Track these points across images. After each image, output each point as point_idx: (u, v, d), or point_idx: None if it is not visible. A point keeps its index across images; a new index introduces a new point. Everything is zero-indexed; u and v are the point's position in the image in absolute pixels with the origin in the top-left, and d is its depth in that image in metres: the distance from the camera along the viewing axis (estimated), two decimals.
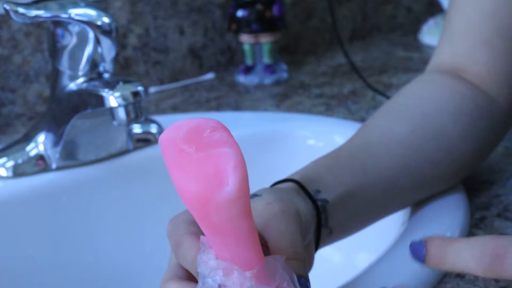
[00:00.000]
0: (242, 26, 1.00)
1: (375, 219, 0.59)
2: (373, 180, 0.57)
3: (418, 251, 0.42)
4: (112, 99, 0.68)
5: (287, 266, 0.42)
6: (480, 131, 0.64)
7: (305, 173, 0.55)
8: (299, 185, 0.53)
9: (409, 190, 0.60)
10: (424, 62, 1.07)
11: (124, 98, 0.68)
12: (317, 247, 0.53)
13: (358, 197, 0.56)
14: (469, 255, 0.40)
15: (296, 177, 0.54)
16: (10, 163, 0.74)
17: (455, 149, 0.62)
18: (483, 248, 0.40)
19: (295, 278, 0.42)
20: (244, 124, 0.85)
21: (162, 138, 0.40)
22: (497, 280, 0.54)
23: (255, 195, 0.49)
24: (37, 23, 0.92)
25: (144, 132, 0.80)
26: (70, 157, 0.75)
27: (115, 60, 0.74)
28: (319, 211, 0.53)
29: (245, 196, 0.38)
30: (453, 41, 0.68)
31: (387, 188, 0.58)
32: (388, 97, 0.89)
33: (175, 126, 0.40)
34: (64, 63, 0.72)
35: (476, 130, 0.64)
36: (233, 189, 0.37)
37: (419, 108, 0.63)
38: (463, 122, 0.63)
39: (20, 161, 0.74)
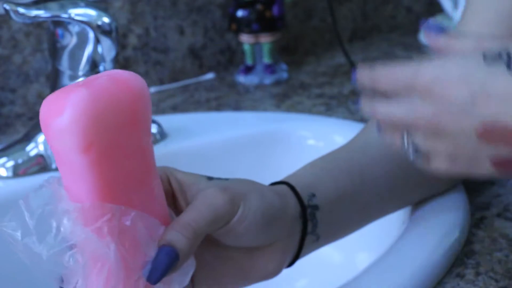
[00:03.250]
0: (242, 26, 1.00)
1: (368, 222, 0.59)
2: (369, 185, 0.57)
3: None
4: None
5: (156, 229, 0.43)
6: None
7: (301, 176, 0.55)
8: (292, 189, 0.52)
9: (406, 192, 0.60)
10: None
11: None
12: (299, 253, 0.53)
13: (353, 202, 0.56)
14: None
15: (291, 180, 0.53)
16: (10, 163, 0.74)
17: None
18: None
19: (152, 245, 0.43)
20: (244, 124, 0.85)
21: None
22: (497, 280, 0.54)
23: (231, 179, 0.49)
24: (37, 23, 0.92)
25: None
26: None
27: (115, 60, 0.74)
28: (306, 219, 0.52)
29: (79, 133, 0.40)
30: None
31: (383, 192, 0.58)
32: None
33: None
34: (64, 63, 0.72)
35: None
36: (64, 120, 0.40)
37: None
38: None
39: (20, 161, 0.74)
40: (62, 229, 0.41)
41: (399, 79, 0.46)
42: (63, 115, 0.40)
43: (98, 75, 0.43)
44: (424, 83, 0.45)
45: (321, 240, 0.54)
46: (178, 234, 0.44)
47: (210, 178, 0.49)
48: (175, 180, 0.48)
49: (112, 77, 0.42)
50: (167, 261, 0.43)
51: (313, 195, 0.53)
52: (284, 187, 0.52)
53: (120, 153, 0.42)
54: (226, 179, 0.49)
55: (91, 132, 0.40)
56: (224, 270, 0.49)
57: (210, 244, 0.48)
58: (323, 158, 0.58)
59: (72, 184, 0.42)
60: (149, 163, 0.44)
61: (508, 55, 0.43)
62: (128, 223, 0.42)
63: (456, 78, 0.44)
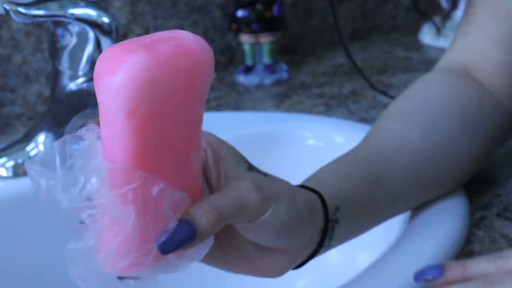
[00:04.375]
0: (242, 26, 1.00)
1: (379, 223, 0.59)
2: (385, 189, 0.56)
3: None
4: None
5: (182, 204, 0.43)
6: (485, 135, 0.64)
7: (328, 184, 0.53)
8: (321, 201, 0.51)
9: (415, 196, 0.60)
10: (424, 62, 1.07)
11: None
12: (308, 260, 0.53)
13: (369, 209, 0.55)
14: None
15: (320, 189, 0.52)
16: (10, 163, 0.74)
17: (462, 153, 0.62)
18: None
19: (174, 219, 0.42)
20: (244, 124, 0.85)
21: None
22: None
23: (270, 176, 0.49)
24: (37, 23, 0.92)
25: None
26: None
27: None
28: (326, 234, 0.52)
29: (127, 97, 0.39)
30: (468, 36, 0.67)
31: (395, 196, 0.58)
32: (390, 97, 0.89)
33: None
34: (64, 63, 0.72)
35: (481, 133, 0.64)
36: (115, 82, 0.39)
37: (429, 112, 0.63)
38: (469, 126, 0.63)
39: (20, 161, 0.74)
40: (88, 186, 0.41)
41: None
42: (116, 76, 0.39)
43: (164, 35, 0.42)
44: None
45: (331, 247, 0.54)
46: (202, 214, 0.43)
47: (250, 168, 0.48)
48: (214, 153, 0.48)
49: (177, 42, 0.41)
50: (184, 235, 0.42)
51: (338, 208, 0.52)
52: (315, 197, 0.51)
53: (166, 121, 0.41)
54: (265, 175, 0.49)
55: (139, 99, 0.40)
56: (233, 257, 0.49)
57: (229, 228, 0.48)
58: (344, 162, 0.56)
59: (109, 141, 0.41)
60: (193, 135, 0.43)
61: None
62: (154, 193, 0.41)
63: None
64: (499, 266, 0.46)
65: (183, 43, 0.41)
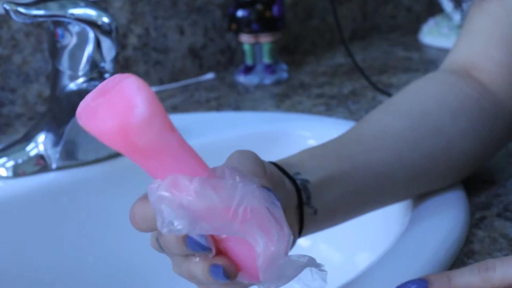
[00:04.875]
0: (242, 26, 1.00)
1: (367, 207, 0.59)
2: (362, 169, 0.57)
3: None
4: None
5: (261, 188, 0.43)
6: (481, 133, 0.64)
7: (286, 160, 0.56)
8: (277, 167, 0.53)
9: (403, 183, 0.60)
10: (424, 62, 1.07)
11: None
12: (302, 227, 0.53)
13: (345, 183, 0.56)
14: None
15: (275, 162, 0.54)
16: (10, 163, 0.74)
17: (453, 147, 0.62)
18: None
19: (271, 193, 0.42)
20: (244, 124, 0.85)
21: (77, 111, 0.41)
22: None
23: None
24: (37, 23, 0.92)
25: None
26: (70, 157, 0.75)
27: (115, 60, 0.74)
28: (299, 188, 0.53)
29: (160, 112, 0.39)
30: (471, 36, 0.68)
31: (378, 178, 0.58)
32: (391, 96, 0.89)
33: (86, 97, 0.42)
34: (64, 63, 0.72)
35: (477, 131, 0.64)
36: (144, 108, 0.38)
37: (419, 105, 0.63)
38: (463, 122, 0.63)
39: (20, 161, 0.74)
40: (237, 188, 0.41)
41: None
42: (139, 106, 0.38)
43: (107, 80, 0.41)
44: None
45: (319, 216, 0.54)
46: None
47: None
48: None
49: (124, 77, 0.41)
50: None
51: (298, 173, 0.54)
52: (270, 164, 0.53)
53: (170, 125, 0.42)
54: None
55: (159, 106, 0.40)
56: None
57: None
58: (312, 147, 0.59)
59: (175, 166, 0.41)
60: None
61: None
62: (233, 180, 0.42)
63: None
64: (484, 279, 0.46)
65: (130, 77, 0.41)
